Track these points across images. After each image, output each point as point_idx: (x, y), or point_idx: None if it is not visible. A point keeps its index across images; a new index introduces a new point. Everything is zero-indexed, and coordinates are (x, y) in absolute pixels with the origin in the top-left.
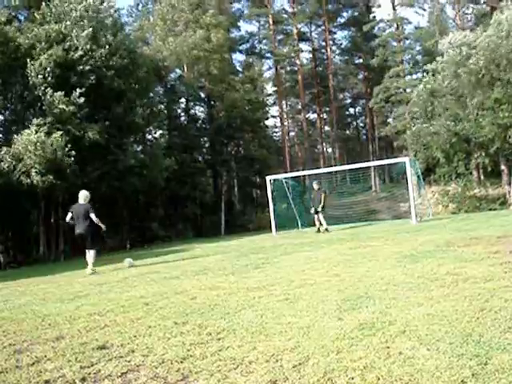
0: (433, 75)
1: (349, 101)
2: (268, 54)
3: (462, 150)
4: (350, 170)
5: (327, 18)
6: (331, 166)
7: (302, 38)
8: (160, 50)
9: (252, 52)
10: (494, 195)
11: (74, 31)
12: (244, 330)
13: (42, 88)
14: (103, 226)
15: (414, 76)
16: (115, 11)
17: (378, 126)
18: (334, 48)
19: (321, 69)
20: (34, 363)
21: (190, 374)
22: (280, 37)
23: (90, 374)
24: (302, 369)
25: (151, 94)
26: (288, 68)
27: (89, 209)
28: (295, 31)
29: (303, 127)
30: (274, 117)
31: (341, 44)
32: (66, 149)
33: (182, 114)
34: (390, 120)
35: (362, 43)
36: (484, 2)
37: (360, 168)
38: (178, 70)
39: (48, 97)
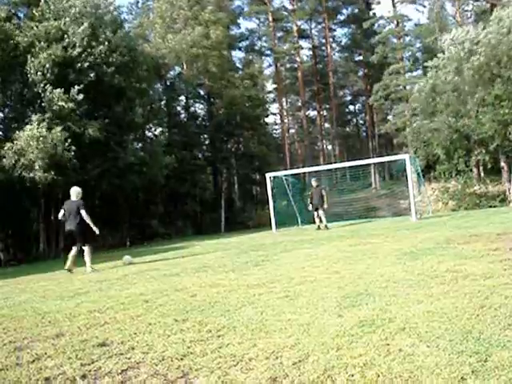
0: (436, 72)
1: (349, 98)
2: (268, 52)
3: (462, 147)
4: (349, 167)
5: (327, 15)
6: (331, 163)
7: (302, 35)
8: (159, 48)
9: (252, 49)
10: (493, 192)
11: (72, 28)
12: (244, 327)
13: (42, 85)
14: (96, 229)
15: (415, 73)
16: (115, 9)
17: (378, 124)
18: (333, 45)
19: (321, 66)
20: (34, 360)
21: (190, 371)
22: (280, 34)
23: (90, 371)
24: (301, 366)
25: (151, 92)
26: (288, 65)
27: (80, 205)
28: (295, 28)
29: (303, 124)
30: (273, 114)
31: (341, 41)
32: (66, 143)
33: (182, 111)
34: (389, 117)
35: (361, 40)
36: None
37: (360, 165)
38: (177, 68)
39: (47, 94)
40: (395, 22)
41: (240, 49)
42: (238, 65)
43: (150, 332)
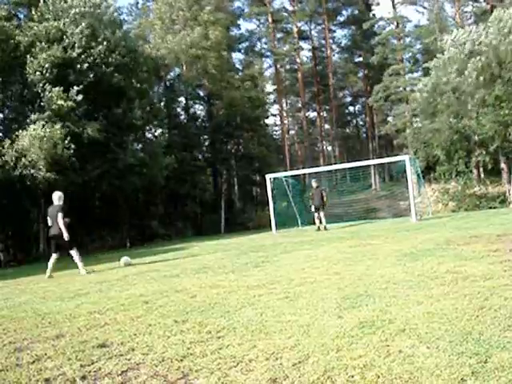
0: (436, 72)
1: (349, 99)
2: (268, 53)
3: (462, 148)
4: (349, 168)
5: (327, 16)
6: (331, 165)
7: (302, 36)
8: (159, 49)
9: (252, 50)
10: (493, 193)
11: (71, 28)
12: (244, 329)
13: (41, 85)
14: (66, 235)
15: (415, 74)
16: (115, 10)
17: (378, 125)
18: (333, 46)
19: (321, 67)
20: (34, 361)
21: (190, 372)
22: (280, 35)
23: (90, 372)
24: (301, 367)
25: (151, 93)
26: (288, 66)
27: (59, 209)
28: (295, 29)
29: (303, 125)
30: (273, 115)
31: (340, 42)
32: (66, 142)
33: (182, 112)
34: (389, 118)
35: (361, 41)
36: (484, 0)
37: (360, 166)
38: (177, 69)
39: (47, 93)
40: (395, 23)
41: (240, 50)
42: (238, 66)
43: (149, 333)
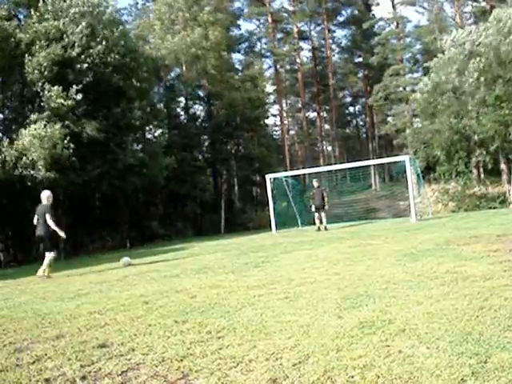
0: (436, 72)
1: (349, 99)
2: (268, 53)
3: (462, 149)
4: (349, 168)
5: (326, 16)
6: (331, 165)
7: (302, 36)
8: (159, 49)
9: (252, 51)
10: (493, 194)
11: (71, 27)
12: (244, 329)
13: (40, 84)
14: (62, 234)
15: (415, 74)
16: (116, 11)
17: (378, 125)
18: (333, 46)
19: (320, 67)
20: (34, 362)
21: (190, 372)
22: (280, 35)
23: (90, 372)
24: (301, 367)
25: (151, 93)
26: (288, 67)
27: (47, 209)
28: (296, 30)
29: (303, 126)
30: (273, 115)
31: (340, 42)
32: (65, 141)
33: (182, 112)
34: (389, 119)
35: (361, 41)
36: (484, 0)
37: (360, 166)
38: (177, 69)
39: (46, 92)
40: (395, 24)
41: (240, 51)
42: (237, 66)
43: (150, 333)
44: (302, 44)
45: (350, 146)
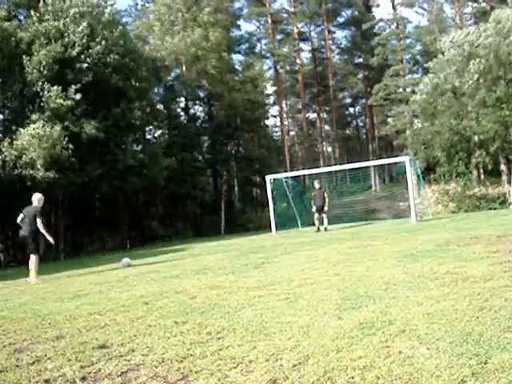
0: (436, 73)
1: (349, 100)
2: (268, 54)
3: (462, 149)
4: (349, 169)
5: (326, 17)
6: (331, 166)
7: (302, 37)
8: (159, 50)
9: (252, 52)
10: (493, 194)
11: (71, 27)
12: (244, 330)
13: (40, 83)
14: (50, 239)
15: (415, 75)
16: (116, 12)
17: (378, 126)
18: (333, 47)
19: (321, 68)
20: (34, 362)
21: (190, 373)
22: (280, 36)
23: (90, 373)
24: (301, 368)
25: (151, 94)
26: (288, 67)
27: (36, 211)
28: (296, 31)
29: (303, 127)
30: (273, 116)
31: (340, 43)
32: (64, 142)
33: (182, 113)
34: (389, 119)
35: (361, 42)
36: (484, 1)
37: (360, 167)
38: (177, 70)
39: (46, 92)
40: (395, 25)
41: (240, 52)
42: (238, 67)
43: (149, 334)
44: (302, 45)
45: (350, 146)
